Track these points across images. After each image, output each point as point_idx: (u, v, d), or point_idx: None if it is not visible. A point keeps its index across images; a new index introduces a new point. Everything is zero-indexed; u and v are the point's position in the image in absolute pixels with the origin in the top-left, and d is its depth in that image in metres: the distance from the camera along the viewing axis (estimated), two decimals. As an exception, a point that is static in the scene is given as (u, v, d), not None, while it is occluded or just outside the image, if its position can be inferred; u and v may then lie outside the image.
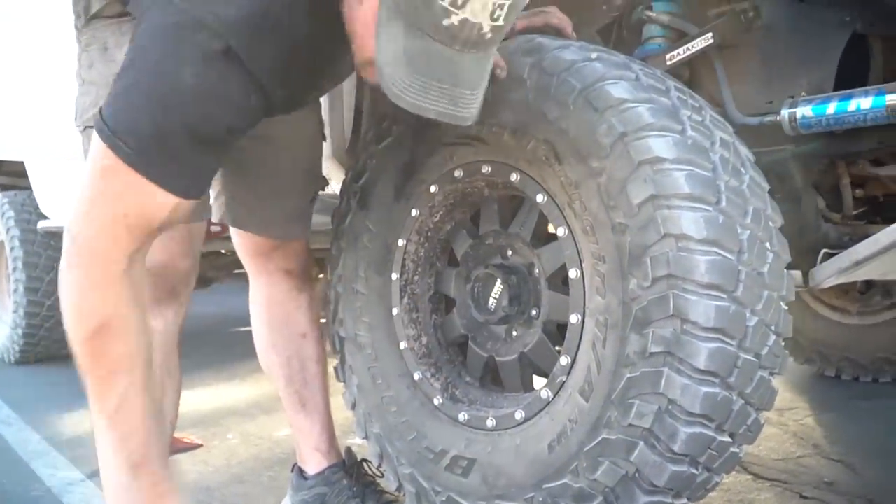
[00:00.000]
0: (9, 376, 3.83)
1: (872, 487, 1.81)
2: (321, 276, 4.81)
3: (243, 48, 1.02)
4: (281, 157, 1.51)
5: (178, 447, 2.32)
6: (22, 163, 4.11)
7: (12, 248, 3.98)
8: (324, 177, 1.71)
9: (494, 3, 0.93)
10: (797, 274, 1.48)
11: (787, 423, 2.38)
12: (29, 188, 4.10)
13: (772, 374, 1.15)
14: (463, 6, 0.92)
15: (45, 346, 4.03)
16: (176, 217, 1.11)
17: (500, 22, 0.96)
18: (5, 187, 4.52)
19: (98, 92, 1.31)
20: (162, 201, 1.07)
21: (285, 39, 1.07)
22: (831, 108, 1.36)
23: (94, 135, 1.05)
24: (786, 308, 1.16)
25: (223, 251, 4.11)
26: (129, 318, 1.11)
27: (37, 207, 4.03)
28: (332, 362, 1.66)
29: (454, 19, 0.93)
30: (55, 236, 3.96)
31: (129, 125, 1.02)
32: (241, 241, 1.66)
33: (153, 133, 1.01)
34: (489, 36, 0.97)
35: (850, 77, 1.47)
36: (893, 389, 2.66)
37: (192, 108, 1.01)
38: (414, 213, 1.48)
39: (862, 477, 1.90)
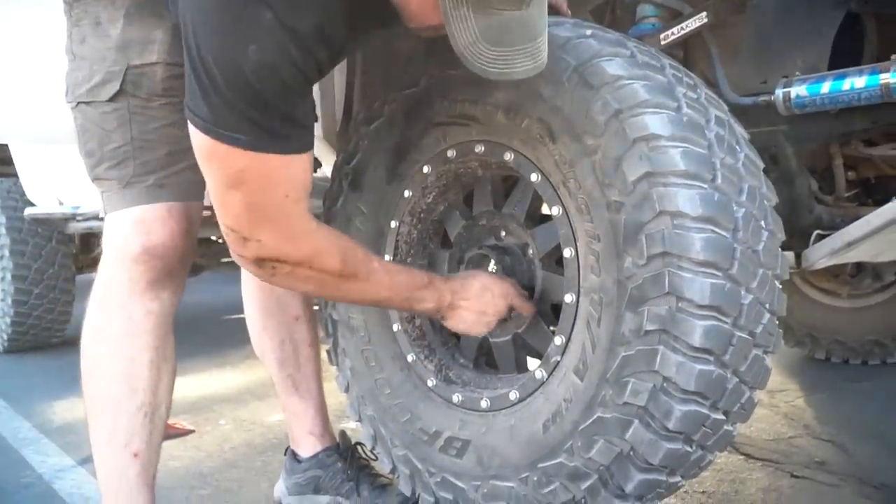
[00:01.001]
0: (-2, 365, 3.81)
1: (862, 467, 1.82)
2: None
3: (288, 14, 1.03)
4: None
5: (171, 433, 2.31)
6: (8, 150, 4.08)
7: (-1, 236, 3.95)
8: (316, 158, 1.69)
9: None
10: (790, 255, 1.48)
11: (779, 405, 2.39)
12: (15, 175, 4.07)
13: (766, 352, 1.15)
14: None
15: (34, 334, 4.01)
16: (311, 168, 1.17)
17: None
18: (-9, 175, 4.48)
19: (92, 67, 1.29)
20: (298, 163, 1.11)
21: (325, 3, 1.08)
22: (826, 87, 1.35)
23: (203, 142, 1.07)
24: (780, 286, 1.16)
25: (214, 238, 4.09)
26: (338, 239, 1.22)
27: (23, 194, 4.00)
28: (325, 346, 1.65)
29: None
30: (42, 223, 3.93)
31: (227, 111, 1.03)
32: None
33: (251, 109, 1.03)
34: None
35: (845, 56, 1.47)
36: (883, 372, 2.68)
37: (269, 79, 1.03)
38: (406, 194, 1.47)
39: (852, 457, 1.91)
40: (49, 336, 4.09)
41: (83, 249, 4.33)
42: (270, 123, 1.06)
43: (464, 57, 1.02)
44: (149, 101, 1.28)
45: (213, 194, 1.11)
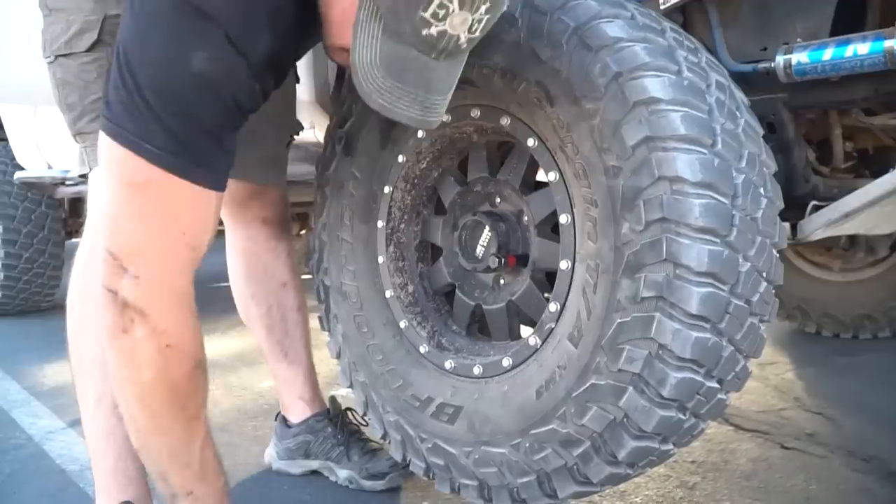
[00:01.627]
0: (-13, 329, 3.80)
1: (851, 438, 1.84)
2: (303, 231, 4.77)
3: (241, 37, 0.97)
4: None
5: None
6: (-4, 113, 4.02)
7: (-12, 200, 3.91)
8: (298, 121, 1.67)
9: (473, 18, 0.94)
10: (786, 226, 1.47)
11: (769, 377, 2.40)
12: (4, 139, 4.02)
13: (762, 321, 1.14)
14: (443, 19, 0.92)
15: (23, 298, 4.00)
16: (215, 225, 1.06)
17: (477, 34, 0.97)
18: (-21, 138, 4.42)
19: (68, 18, 1.26)
20: (207, 201, 1.00)
21: (276, 24, 1.02)
22: (827, 53, 1.33)
23: (112, 147, 0.96)
24: (777, 255, 1.15)
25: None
26: (200, 354, 1.07)
27: (13, 158, 3.95)
28: (317, 313, 1.64)
29: (433, 30, 0.93)
30: (31, 188, 3.89)
31: (150, 122, 0.94)
32: None
33: (179, 123, 0.94)
34: (465, 46, 0.98)
35: (846, 24, 1.45)
36: (873, 346, 2.70)
37: (210, 94, 0.96)
38: (400, 159, 1.45)
39: (841, 428, 1.92)
40: (39, 300, 4.07)
41: (72, 214, 4.29)
42: (193, 142, 0.96)
43: (356, 73, 0.96)
44: None
45: (107, 207, 1.00)
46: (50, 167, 3.68)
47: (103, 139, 0.98)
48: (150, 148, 0.94)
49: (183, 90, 0.94)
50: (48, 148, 3.58)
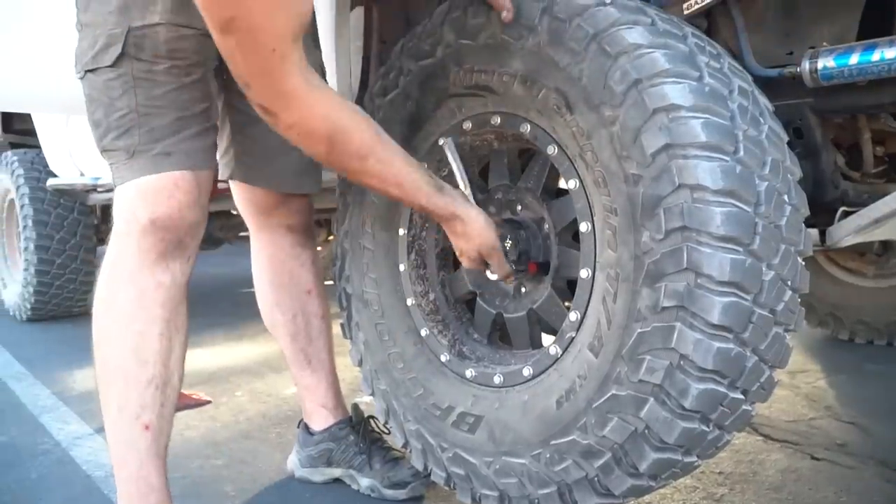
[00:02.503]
0: (20, 333, 3.86)
1: (884, 449, 1.79)
2: (330, 238, 4.80)
3: None
4: None
5: (188, 403, 2.33)
6: (31, 121, 4.10)
7: (22, 206, 3.98)
8: None
9: None
10: (814, 233, 1.44)
11: (799, 386, 2.36)
12: (38, 147, 4.09)
13: (787, 330, 1.12)
14: None
15: (55, 303, 4.06)
16: (305, 16, 1.12)
17: None
18: (15, 146, 4.51)
19: (95, 33, 1.27)
20: (278, 7, 1.05)
21: None
22: (854, 58, 1.30)
23: None
24: (803, 263, 1.12)
25: (233, 211, 4.10)
26: (344, 111, 1.20)
27: (46, 166, 4.03)
28: (339, 320, 1.64)
29: None
30: (64, 194, 3.96)
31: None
32: (243, 198, 1.64)
33: None
34: None
35: (873, 28, 1.42)
36: (907, 353, 2.64)
37: None
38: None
39: (874, 438, 1.88)
40: (70, 305, 4.14)
41: (104, 220, 4.35)
42: None
43: None
44: (153, 65, 1.26)
45: (214, 38, 1.08)
46: (82, 174, 3.74)
47: None
48: None
49: None
50: (80, 155, 3.64)
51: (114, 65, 1.26)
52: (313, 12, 1.33)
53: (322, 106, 1.16)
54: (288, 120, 1.14)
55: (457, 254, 1.36)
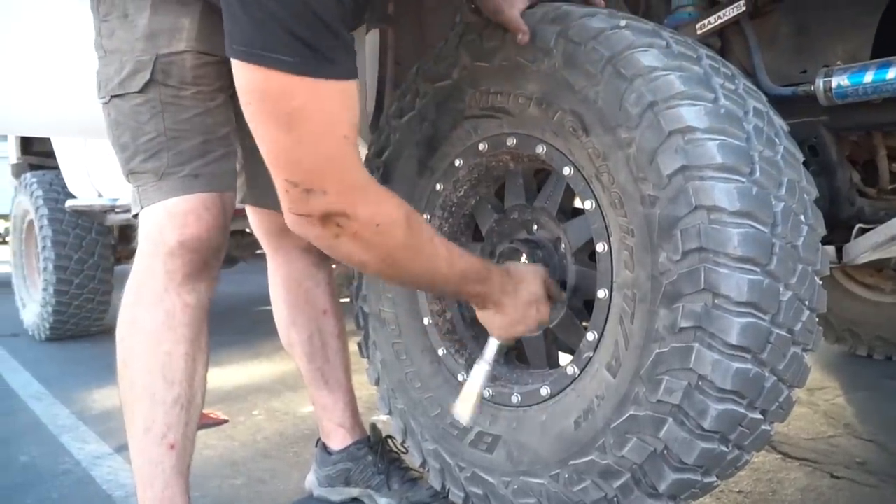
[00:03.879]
0: (39, 353, 3.89)
1: (905, 467, 1.78)
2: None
3: None
4: None
5: (206, 422, 2.34)
6: (50, 143, 4.16)
7: (41, 227, 4.03)
8: None
9: None
10: (830, 250, 1.44)
11: (818, 403, 2.34)
12: (57, 168, 4.15)
13: (805, 350, 1.12)
14: None
15: (74, 323, 4.09)
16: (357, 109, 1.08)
17: None
18: (34, 167, 4.57)
19: (122, 59, 1.29)
20: (348, 96, 1.01)
21: None
22: (868, 76, 1.31)
23: (251, 77, 0.96)
24: (820, 282, 1.12)
25: (247, 230, 4.13)
26: (397, 197, 1.13)
27: (65, 187, 4.08)
28: (356, 339, 1.65)
29: None
30: (83, 215, 4.01)
31: (276, 30, 0.92)
32: (258, 220, 1.66)
33: (300, 23, 0.93)
34: None
35: (887, 46, 1.42)
36: (927, 369, 2.61)
37: None
38: (438, 187, 1.46)
39: (894, 457, 1.86)
40: (88, 325, 4.17)
41: (121, 240, 4.40)
42: (319, 42, 0.95)
43: None
44: (180, 91, 1.28)
45: (266, 144, 1.01)
46: (100, 195, 3.79)
47: (241, 71, 0.97)
48: (286, 59, 0.94)
49: None
50: (99, 176, 3.69)
51: (142, 90, 1.28)
52: None
53: (388, 190, 1.11)
54: (366, 213, 1.04)
55: (497, 334, 1.31)
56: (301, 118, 0.97)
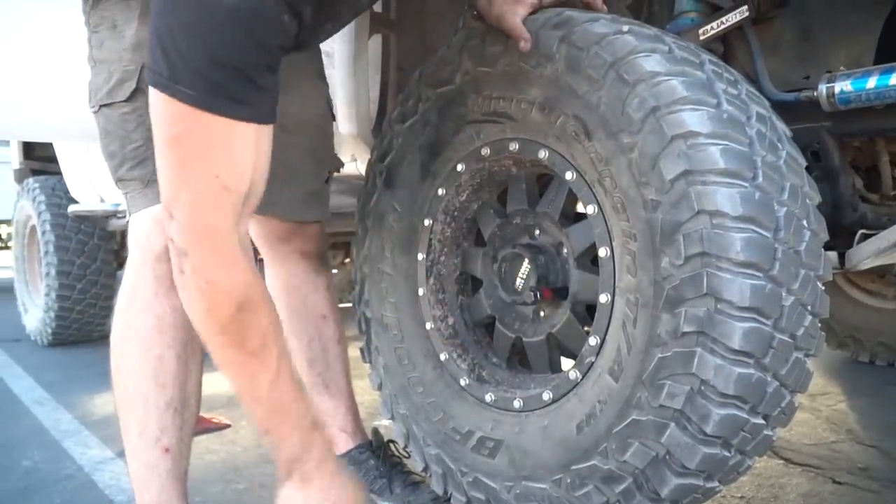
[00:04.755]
0: (41, 358, 3.90)
1: (908, 473, 1.77)
2: (347, 260, 4.81)
3: None
4: (292, 140, 1.49)
5: (208, 427, 2.34)
6: (52, 148, 4.17)
7: (44, 232, 4.04)
8: (337, 157, 1.70)
9: None
10: (833, 255, 1.44)
11: (820, 409, 2.34)
12: (59, 173, 4.16)
13: (807, 355, 1.12)
14: None
15: (76, 328, 4.10)
16: (261, 164, 1.06)
17: None
18: (36, 172, 4.58)
19: (110, 69, 1.31)
20: (244, 139, 1.00)
21: None
22: (871, 82, 1.31)
23: (156, 101, 0.99)
24: (823, 288, 1.12)
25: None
26: (261, 286, 1.08)
27: (67, 192, 4.09)
28: (358, 344, 1.65)
29: None
30: (85, 220, 4.01)
31: (184, 66, 0.95)
32: (257, 226, 1.66)
33: (210, 65, 0.95)
34: None
35: (891, 51, 1.43)
36: (930, 375, 2.61)
37: (240, 31, 0.96)
38: (440, 192, 1.46)
39: (897, 463, 1.86)
40: (91, 330, 4.18)
41: (123, 246, 4.40)
42: (228, 84, 0.97)
43: None
44: None
45: (159, 168, 1.03)
46: (102, 200, 3.80)
47: (151, 95, 1.00)
48: (183, 90, 0.95)
49: (212, 31, 0.95)
50: (101, 182, 3.70)
51: (129, 99, 1.30)
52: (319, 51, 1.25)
53: (246, 265, 1.05)
54: (198, 261, 1.01)
55: None
56: (178, 143, 0.99)
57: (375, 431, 1.73)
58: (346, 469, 1.19)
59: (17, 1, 2.09)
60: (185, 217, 1.01)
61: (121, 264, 4.30)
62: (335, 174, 1.70)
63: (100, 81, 1.33)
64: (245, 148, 1.02)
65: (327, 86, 1.65)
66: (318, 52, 1.60)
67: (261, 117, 1.02)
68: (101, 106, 1.34)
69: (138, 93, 1.29)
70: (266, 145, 1.06)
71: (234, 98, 0.98)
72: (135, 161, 1.31)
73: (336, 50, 1.84)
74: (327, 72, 1.69)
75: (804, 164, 1.15)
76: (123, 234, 4.37)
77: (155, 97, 0.99)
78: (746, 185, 1.03)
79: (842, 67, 1.40)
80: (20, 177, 4.62)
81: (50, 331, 4.07)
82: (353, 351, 1.68)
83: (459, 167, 1.43)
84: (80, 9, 1.39)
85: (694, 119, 1.05)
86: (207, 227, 1.02)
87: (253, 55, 0.98)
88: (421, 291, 1.51)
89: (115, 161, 1.34)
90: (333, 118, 1.67)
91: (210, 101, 0.96)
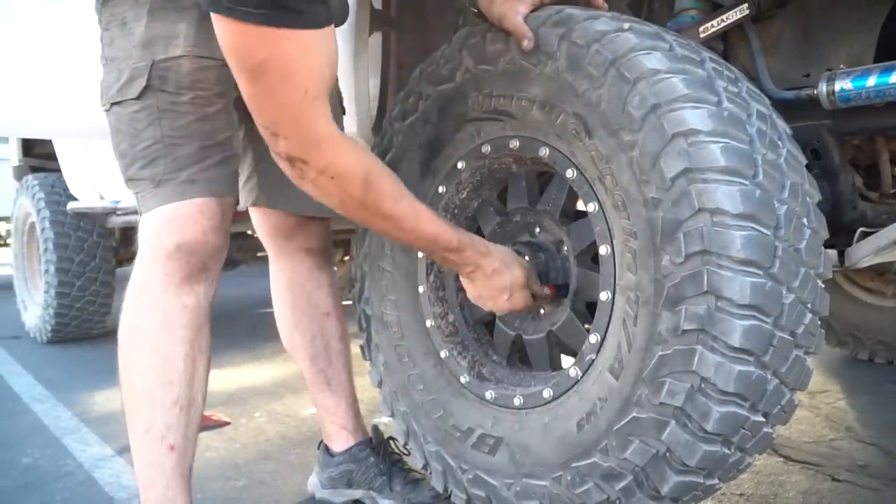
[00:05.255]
0: (41, 355, 3.90)
1: (907, 471, 1.78)
2: (346, 257, 4.83)
3: None
4: None
5: (208, 424, 2.34)
6: (52, 146, 4.17)
7: (43, 230, 4.04)
8: None
9: None
10: (833, 253, 1.44)
11: (819, 406, 2.34)
12: (58, 170, 4.15)
13: (807, 353, 1.12)
14: None
15: (75, 325, 4.10)
16: (334, 60, 1.13)
17: None
18: (35, 169, 4.58)
19: (120, 67, 1.31)
20: (315, 48, 1.05)
21: None
22: (872, 80, 1.31)
23: (225, 31, 1.01)
24: (822, 286, 1.13)
25: (249, 232, 4.14)
26: (371, 156, 1.19)
27: (66, 189, 4.08)
28: (358, 341, 1.65)
29: None
30: (85, 217, 4.01)
31: None
32: (263, 223, 1.66)
33: None
34: None
35: (891, 49, 1.43)
36: (929, 373, 2.61)
37: None
38: (441, 189, 1.47)
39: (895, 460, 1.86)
40: (90, 327, 4.18)
41: (123, 243, 4.41)
42: None
43: None
44: (177, 96, 1.29)
45: (242, 91, 1.08)
46: (102, 197, 3.80)
47: (216, 24, 1.02)
48: (249, 10, 0.98)
49: None
50: (100, 179, 3.70)
51: (139, 97, 1.29)
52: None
53: (354, 148, 1.15)
54: (320, 163, 1.11)
55: (482, 305, 1.36)
56: (263, 71, 1.03)
57: (375, 428, 1.74)
58: (506, 261, 1.31)
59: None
60: (291, 133, 1.09)
61: (120, 262, 4.30)
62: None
63: (110, 80, 1.33)
64: (319, 55, 1.07)
65: (337, 78, 1.64)
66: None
67: (321, 21, 1.06)
68: (111, 104, 1.33)
69: (149, 90, 1.29)
70: (332, 43, 1.12)
71: (296, 9, 1.01)
72: (145, 160, 1.31)
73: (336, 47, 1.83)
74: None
75: (804, 162, 1.15)
76: (123, 231, 4.38)
77: (223, 28, 1.01)
78: (747, 182, 1.04)
79: (842, 65, 1.40)
80: (19, 174, 4.62)
81: (49, 328, 4.07)
82: (354, 348, 1.69)
83: (460, 165, 1.43)
84: (90, 7, 1.38)
85: (695, 117, 1.05)
86: (312, 135, 1.10)
87: None
88: (421, 289, 1.51)
89: (125, 160, 1.34)
90: (343, 112, 1.67)
91: (279, 15, 1.00)
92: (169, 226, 1.31)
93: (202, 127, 1.32)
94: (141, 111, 1.30)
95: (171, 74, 1.29)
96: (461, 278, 1.34)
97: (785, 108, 1.34)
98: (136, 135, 1.31)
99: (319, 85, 1.08)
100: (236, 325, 4.52)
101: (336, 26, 1.14)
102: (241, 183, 1.57)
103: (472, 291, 1.34)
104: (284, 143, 1.10)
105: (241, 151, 1.49)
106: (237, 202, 1.45)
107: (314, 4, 1.04)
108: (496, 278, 1.29)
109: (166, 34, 1.29)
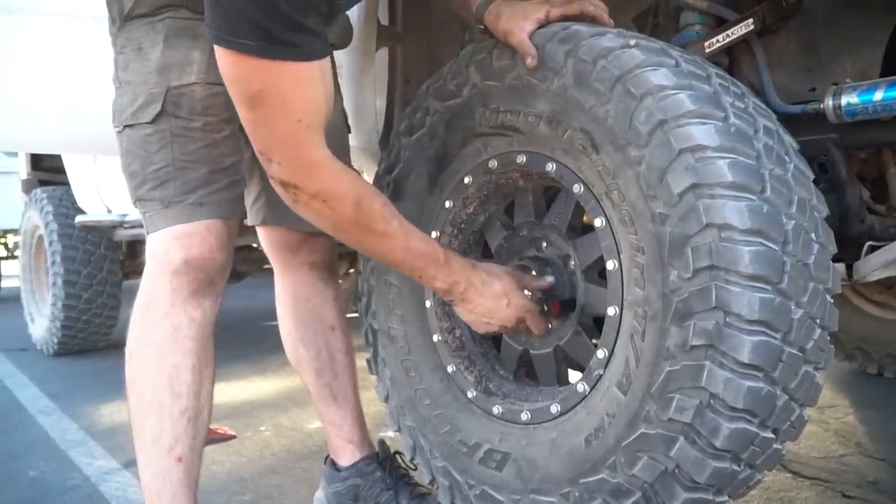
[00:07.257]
0: (47, 367, 3.91)
1: (918, 487, 1.76)
2: (351, 271, 4.84)
3: None
4: None
5: (213, 438, 2.34)
6: (60, 159, 4.19)
7: (51, 243, 4.06)
8: (352, 167, 1.70)
9: None
10: (841, 267, 1.44)
11: (828, 421, 2.33)
12: (67, 184, 4.18)
13: (817, 368, 1.11)
14: None
15: (82, 338, 4.11)
16: (329, 91, 1.18)
17: None
18: (44, 183, 4.61)
19: (135, 91, 1.33)
20: (310, 79, 1.10)
21: None
22: (878, 94, 1.31)
23: (224, 62, 1.06)
24: (831, 300, 1.12)
25: (254, 245, 4.15)
26: (362, 180, 1.24)
27: (74, 202, 4.11)
28: (365, 355, 1.65)
29: None
30: (92, 230, 4.03)
31: (238, 18, 1.02)
32: (269, 239, 1.67)
33: (260, 14, 1.01)
34: None
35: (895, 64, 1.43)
36: (938, 387, 2.59)
37: None
38: (447, 204, 1.47)
39: (906, 476, 1.85)
40: (97, 339, 4.19)
41: (129, 256, 4.42)
42: (278, 28, 1.03)
43: None
44: (189, 122, 1.32)
45: (240, 116, 1.13)
46: (109, 211, 3.82)
47: (217, 54, 1.07)
48: (245, 42, 1.02)
49: None
50: (108, 192, 3.72)
51: (153, 121, 1.32)
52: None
53: (346, 173, 1.20)
54: (311, 188, 1.15)
55: (474, 329, 1.38)
56: (260, 101, 1.08)
57: (382, 443, 1.73)
58: (491, 271, 1.33)
59: (30, 17, 2.11)
60: (284, 160, 1.14)
61: (127, 275, 4.32)
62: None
63: (124, 102, 1.35)
64: (314, 86, 1.11)
65: (341, 97, 1.66)
66: (332, 61, 1.61)
67: (317, 54, 1.10)
68: (124, 126, 1.36)
69: (162, 115, 1.31)
70: (328, 74, 1.17)
71: (292, 43, 1.05)
72: (156, 182, 1.33)
73: (343, 63, 1.85)
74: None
75: (811, 176, 1.15)
76: (130, 244, 4.39)
77: (223, 59, 1.07)
78: (754, 198, 1.03)
79: (848, 80, 1.40)
80: (28, 187, 4.64)
81: (56, 340, 4.09)
82: (360, 362, 1.69)
83: (467, 180, 1.43)
84: (101, 28, 1.40)
85: (702, 132, 1.05)
86: (304, 162, 1.14)
87: (299, 2, 1.04)
88: (428, 303, 1.51)
89: (135, 181, 1.36)
90: (349, 129, 1.68)
91: (276, 48, 1.04)
92: (177, 243, 1.33)
93: (211, 152, 1.34)
94: (154, 135, 1.32)
95: (184, 101, 1.31)
96: (458, 308, 1.33)
97: (791, 122, 1.34)
98: (148, 157, 1.33)
99: (314, 115, 1.12)
100: (241, 337, 4.52)
101: (340, 48, 1.16)
102: (248, 203, 1.59)
103: (471, 312, 1.32)
104: (278, 168, 1.14)
105: (247, 173, 1.50)
106: (242, 221, 1.47)
107: (310, 38, 1.08)
108: (489, 287, 1.30)
109: (181, 61, 1.31)
